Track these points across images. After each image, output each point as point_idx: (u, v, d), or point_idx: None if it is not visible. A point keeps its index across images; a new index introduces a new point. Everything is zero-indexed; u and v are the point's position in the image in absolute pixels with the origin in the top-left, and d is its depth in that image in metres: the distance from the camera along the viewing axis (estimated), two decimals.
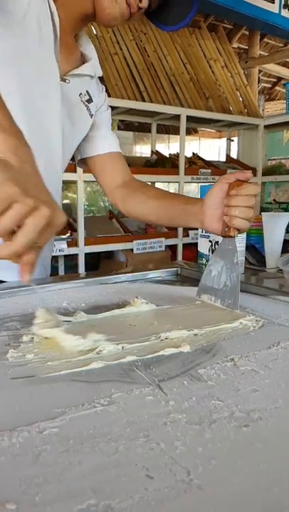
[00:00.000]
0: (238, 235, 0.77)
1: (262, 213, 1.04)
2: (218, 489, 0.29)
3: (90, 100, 0.95)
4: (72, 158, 1.03)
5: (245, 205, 0.73)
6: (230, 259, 0.74)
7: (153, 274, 1.00)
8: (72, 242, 2.58)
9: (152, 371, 0.47)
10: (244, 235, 0.97)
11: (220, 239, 0.79)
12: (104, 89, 1.03)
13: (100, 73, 0.99)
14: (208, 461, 0.32)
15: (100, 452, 0.33)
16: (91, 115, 0.97)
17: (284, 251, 1.03)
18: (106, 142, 1.01)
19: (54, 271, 2.89)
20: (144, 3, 0.86)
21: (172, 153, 3.45)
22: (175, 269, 1.04)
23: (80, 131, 0.97)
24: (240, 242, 0.97)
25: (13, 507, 0.28)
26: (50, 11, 0.82)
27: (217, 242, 0.97)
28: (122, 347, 0.54)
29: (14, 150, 0.52)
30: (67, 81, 0.88)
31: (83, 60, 0.95)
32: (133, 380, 0.45)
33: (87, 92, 0.95)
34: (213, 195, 0.79)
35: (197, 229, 1.00)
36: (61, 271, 2.91)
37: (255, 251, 1.12)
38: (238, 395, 0.42)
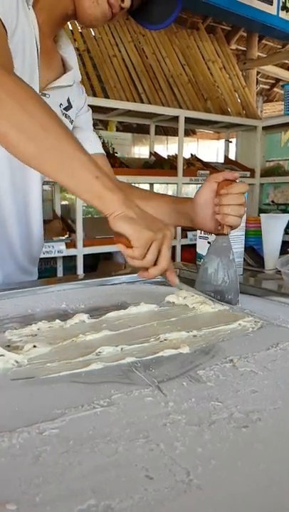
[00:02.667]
0: (231, 232, 0.80)
1: (261, 214, 1.04)
2: (217, 489, 0.29)
3: (68, 107, 0.95)
4: None
5: (237, 203, 0.76)
6: (226, 255, 0.76)
7: None
8: (71, 244, 2.58)
9: (152, 372, 0.48)
10: (243, 236, 0.97)
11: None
12: (84, 90, 1.02)
13: (80, 78, 0.98)
14: (207, 461, 0.32)
15: (99, 453, 0.33)
16: (71, 121, 0.96)
17: (282, 252, 1.04)
18: (89, 144, 1.00)
19: (53, 272, 2.89)
20: (127, 3, 0.84)
21: (171, 154, 3.46)
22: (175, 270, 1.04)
23: None
24: (239, 243, 0.97)
25: (14, 507, 0.28)
26: (32, 23, 0.80)
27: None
28: (122, 348, 0.54)
29: (126, 204, 0.65)
30: (47, 96, 0.87)
31: (64, 66, 0.94)
32: (132, 381, 0.45)
33: (68, 99, 0.94)
34: (203, 194, 0.82)
35: (195, 230, 1.00)
36: (60, 272, 2.92)
37: (253, 252, 1.12)
38: (238, 395, 0.42)
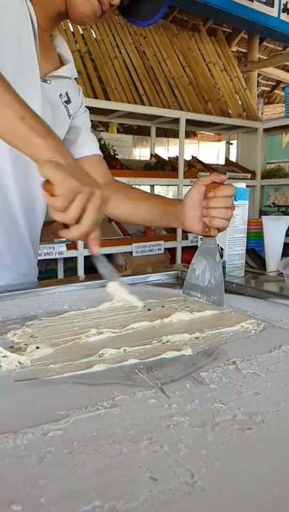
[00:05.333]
0: (218, 234, 0.80)
1: (262, 217, 1.04)
2: (221, 491, 0.30)
3: (68, 101, 0.96)
4: None
5: (224, 206, 0.77)
6: (213, 257, 0.78)
7: (153, 277, 1.01)
8: (72, 245, 2.58)
9: (154, 374, 0.48)
10: (244, 239, 0.97)
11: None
12: (80, 91, 1.04)
13: (76, 75, 1.00)
14: (211, 463, 0.32)
15: (103, 454, 0.33)
16: (69, 116, 0.97)
17: (284, 254, 1.04)
18: (87, 145, 1.02)
19: (53, 273, 2.89)
20: (116, 1, 0.86)
21: (171, 156, 3.46)
22: (175, 272, 1.04)
23: (61, 132, 0.97)
24: (241, 245, 0.97)
25: (19, 508, 0.28)
26: (28, 9, 0.82)
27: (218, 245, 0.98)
28: (124, 350, 0.54)
29: (56, 149, 0.60)
30: (48, 81, 0.89)
31: (61, 61, 0.96)
32: (135, 383, 0.45)
33: (66, 93, 0.96)
34: (192, 197, 0.83)
35: None
36: (60, 273, 2.91)
37: (255, 254, 1.12)
38: (241, 398, 0.42)
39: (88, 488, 0.30)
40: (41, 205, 0.95)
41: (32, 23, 0.82)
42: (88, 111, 1.05)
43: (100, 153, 1.05)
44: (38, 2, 0.85)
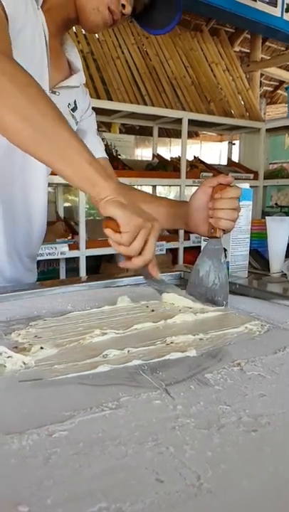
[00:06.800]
0: (223, 235, 0.81)
1: (266, 217, 1.04)
2: (228, 494, 0.29)
3: (75, 108, 0.96)
4: None
5: (230, 207, 0.77)
6: (218, 258, 0.78)
7: None
8: (74, 245, 2.58)
9: (159, 375, 0.48)
10: (248, 239, 0.97)
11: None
12: (87, 93, 1.04)
13: (84, 80, 1.00)
14: (217, 465, 0.32)
15: (109, 455, 0.33)
16: (76, 123, 0.98)
17: (288, 255, 1.04)
18: (93, 149, 1.01)
19: (55, 273, 2.90)
20: (128, 10, 0.86)
21: (173, 156, 3.46)
22: (178, 273, 1.04)
23: None
24: (244, 246, 0.97)
25: (26, 509, 0.28)
26: (42, 20, 0.82)
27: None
28: (128, 351, 0.54)
29: (118, 190, 0.66)
30: (57, 94, 0.89)
31: (70, 68, 0.96)
32: (140, 384, 0.45)
33: (74, 101, 0.96)
34: (198, 198, 0.83)
35: None
36: (62, 274, 2.92)
37: (258, 255, 1.12)
38: (246, 399, 0.42)
39: (94, 490, 0.29)
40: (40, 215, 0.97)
41: (44, 34, 0.83)
42: (95, 113, 1.05)
43: (106, 157, 1.05)
44: (49, 9, 0.84)
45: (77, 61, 0.97)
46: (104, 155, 1.04)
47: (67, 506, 0.28)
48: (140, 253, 0.67)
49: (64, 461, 0.33)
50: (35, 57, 0.82)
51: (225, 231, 0.80)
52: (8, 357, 0.50)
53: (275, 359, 0.52)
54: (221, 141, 6.21)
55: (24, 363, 0.50)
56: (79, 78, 0.95)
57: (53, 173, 0.92)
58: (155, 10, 0.92)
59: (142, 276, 0.77)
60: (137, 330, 0.63)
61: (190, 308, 0.74)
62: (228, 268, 0.93)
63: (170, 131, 4.84)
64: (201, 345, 0.57)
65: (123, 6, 0.85)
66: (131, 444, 0.35)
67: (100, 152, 1.02)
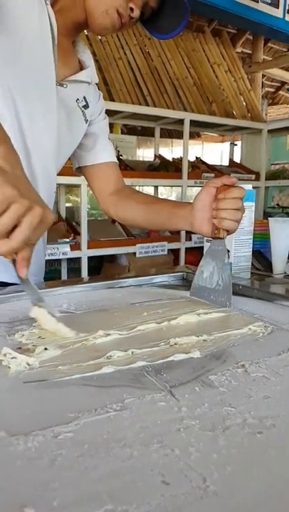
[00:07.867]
0: (227, 236, 0.80)
1: (269, 218, 1.04)
2: (234, 496, 0.29)
3: (86, 106, 0.96)
4: None
5: (234, 208, 0.76)
6: (221, 259, 0.78)
7: (159, 279, 1.01)
8: (76, 246, 2.58)
9: (163, 377, 0.48)
10: (250, 240, 0.97)
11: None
12: (101, 96, 1.04)
13: (96, 80, 1.00)
14: (223, 467, 0.32)
15: (114, 457, 0.33)
16: (86, 120, 0.98)
17: None
18: (104, 152, 1.02)
19: (57, 274, 2.89)
20: (136, 14, 0.86)
21: (175, 157, 3.46)
22: (180, 273, 1.04)
23: (76, 137, 0.98)
24: (247, 247, 0.97)
25: (32, 511, 0.28)
26: (48, 14, 0.82)
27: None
28: (132, 352, 0.54)
29: (4, 156, 0.56)
30: (64, 86, 0.89)
31: (81, 66, 0.96)
32: (144, 386, 0.45)
33: (84, 97, 0.96)
34: (202, 199, 0.82)
35: None
36: (64, 274, 2.92)
37: (261, 256, 1.12)
38: (250, 401, 0.42)
39: (100, 492, 0.29)
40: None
41: (51, 27, 0.83)
42: (108, 118, 1.06)
43: (116, 161, 1.05)
44: (60, 9, 0.85)
45: (89, 61, 0.97)
46: (114, 159, 1.05)
47: (73, 508, 0.28)
48: (9, 236, 0.52)
49: (69, 463, 0.32)
50: (40, 48, 0.82)
51: (228, 232, 0.79)
52: (13, 358, 0.50)
53: (279, 360, 0.52)
54: (222, 141, 6.21)
55: (28, 364, 0.50)
56: (89, 74, 0.95)
57: None
58: (163, 15, 0.93)
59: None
60: (141, 331, 0.63)
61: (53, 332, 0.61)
62: (231, 269, 0.93)
63: (172, 131, 4.84)
64: (204, 346, 0.57)
65: (132, 9, 0.85)
66: (136, 446, 0.35)
67: (110, 156, 1.03)
